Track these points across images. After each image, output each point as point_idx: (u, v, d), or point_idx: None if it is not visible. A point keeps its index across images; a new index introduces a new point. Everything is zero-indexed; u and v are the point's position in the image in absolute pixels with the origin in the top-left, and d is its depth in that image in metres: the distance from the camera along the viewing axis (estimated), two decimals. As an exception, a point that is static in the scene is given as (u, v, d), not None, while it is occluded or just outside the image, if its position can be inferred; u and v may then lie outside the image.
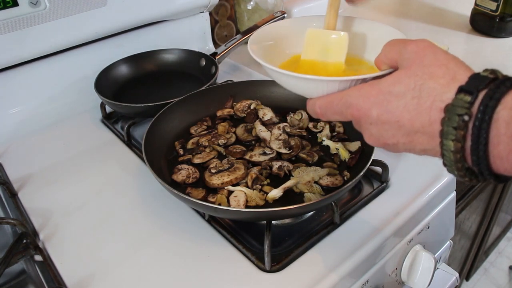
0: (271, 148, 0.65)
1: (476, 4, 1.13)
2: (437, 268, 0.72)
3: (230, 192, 0.57)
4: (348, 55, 0.48)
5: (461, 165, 0.32)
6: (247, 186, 0.58)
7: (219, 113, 0.75)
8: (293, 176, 0.59)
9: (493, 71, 0.31)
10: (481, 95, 0.30)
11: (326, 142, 0.66)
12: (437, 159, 0.66)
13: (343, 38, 0.47)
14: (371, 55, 0.49)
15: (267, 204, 0.55)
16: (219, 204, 0.54)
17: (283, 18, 0.96)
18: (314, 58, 0.48)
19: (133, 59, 0.92)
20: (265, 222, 0.52)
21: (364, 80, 0.38)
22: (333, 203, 0.55)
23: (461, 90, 0.31)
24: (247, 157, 0.64)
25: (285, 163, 0.61)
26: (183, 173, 0.61)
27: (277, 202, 0.56)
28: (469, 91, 0.30)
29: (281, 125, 0.69)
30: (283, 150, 0.64)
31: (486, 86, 0.30)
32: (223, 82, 0.84)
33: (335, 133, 0.68)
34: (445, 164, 0.33)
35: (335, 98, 0.39)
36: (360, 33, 0.51)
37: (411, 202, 0.59)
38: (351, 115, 0.38)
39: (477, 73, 0.32)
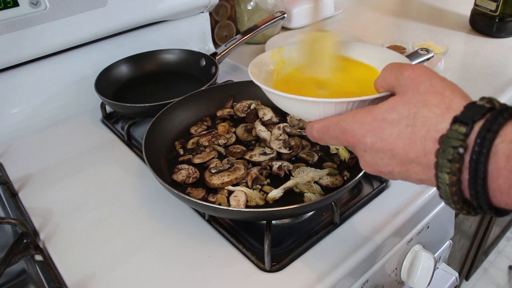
0: (271, 148, 0.65)
1: (475, 4, 1.13)
2: (437, 268, 0.72)
3: (230, 192, 0.57)
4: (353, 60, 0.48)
5: (458, 198, 0.30)
6: (247, 186, 0.58)
7: (219, 113, 0.75)
8: (293, 176, 0.59)
9: (490, 100, 0.30)
10: (478, 126, 0.28)
11: (326, 142, 0.66)
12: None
13: (331, 34, 0.47)
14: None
15: (267, 204, 0.56)
16: (219, 204, 0.55)
17: (283, 18, 0.96)
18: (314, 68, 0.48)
19: (133, 59, 0.92)
20: (265, 222, 0.52)
21: (362, 102, 0.38)
22: (333, 203, 0.55)
23: (455, 120, 0.30)
24: (247, 157, 0.64)
25: (285, 163, 0.61)
26: (183, 173, 0.61)
27: (277, 202, 0.56)
28: (464, 122, 0.29)
29: (281, 125, 0.69)
30: (283, 150, 0.64)
31: (483, 117, 0.29)
32: (223, 82, 0.84)
33: (335, 133, 0.68)
34: (441, 197, 0.32)
35: (332, 123, 0.39)
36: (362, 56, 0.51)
37: (411, 202, 0.59)
38: (346, 141, 0.37)
39: (473, 102, 0.31)
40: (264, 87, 0.43)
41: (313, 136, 0.41)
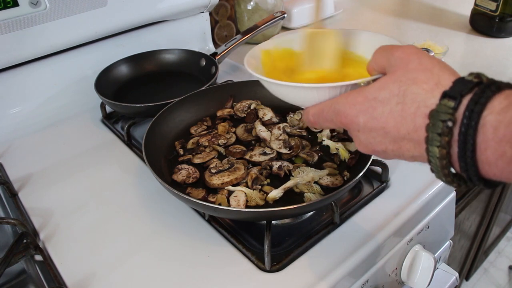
0: (271, 148, 0.65)
1: (475, 4, 1.13)
2: (437, 268, 0.72)
3: (230, 192, 0.57)
4: (351, 54, 0.48)
5: (448, 171, 0.31)
6: (247, 186, 0.58)
7: (219, 113, 0.75)
8: (293, 176, 0.59)
9: (478, 75, 0.30)
10: (466, 100, 0.29)
11: (326, 142, 0.66)
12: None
13: (334, 32, 0.47)
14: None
15: (267, 204, 0.56)
16: (219, 204, 0.55)
17: (283, 18, 0.96)
18: (313, 61, 0.49)
19: (133, 59, 0.92)
20: (265, 222, 0.52)
21: (355, 85, 0.38)
22: (333, 203, 0.55)
23: (444, 95, 0.30)
24: (247, 157, 0.64)
25: (285, 163, 0.61)
26: (183, 173, 0.61)
27: (277, 202, 0.56)
28: (452, 96, 0.30)
29: (281, 125, 0.69)
30: (283, 150, 0.64)
31: (471, 91, 0.29)
32: (223, 82, 0.84)
33: (335, 133, 0.68)
34: (432, 171, 0.33)
35: (326, 106, 0.39)
36: (357, 43, 0.51)
37: (411, 202, 0.59)
38: (340, 122, 0.38)
39: (461, 77, 0.31)
40: (260, 76, 0.44)
41: (309, 120, 0.42)
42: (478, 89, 0.29)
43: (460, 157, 0.30)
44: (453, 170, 0.31)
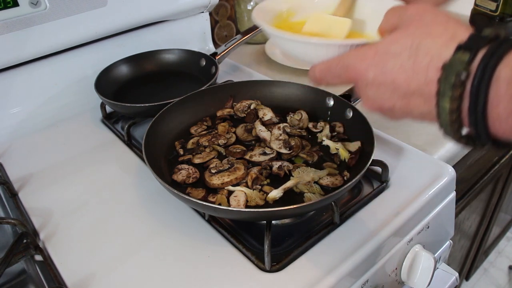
0: (271, 148, 0.65)
1: (475, 4, 1.13)
2: (437, 268, 0.72)
3: (230, 192, 0.57)
4: (351, 32, 0.48)
5: (458, 126, 0.30)
6: (247, 186, 0.58)
7: (219, 113, 0.75)
8: (293, 176, 0.59)
9: (495, 31, 0.30)
10: (481, 53, 0.28)
11: (326, 142, 0.66)
12: (434, 160, 0.66)
13: (346, 22, 0.47)
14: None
15: (267, 204, 0.55)
16: (219, 204, 0.55)
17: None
18: (316, 31, 0.49)
19: (133, 59, 0.92)
20: (265, 222, 0.52)
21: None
22: (333, 203, 0.55)
23: (459, 48, 0.29)
24: (247, 157, 0.64)
25: (285, 163, 0.61)
26: (183, 173, 0.61)
27: (277, 202, 0.56)
28: (468, 48, 0.29)
29: (281, 125, 0.69)
30: (283, 150, 0.64)
31: (487, 45, 0.29)
32: (223, 82, 0.84)
33: (335, 133, 0.68)
34: (440, 126, 0.32)
35: (334, 62, 0.38)
36: (365, 9, 0.51)
37: (411, 202, 0.59)
38: (348, 77, 0.37)
39: (478, 32, 0.31)
40: (269, 28, 0.43)
41: (315, 77, 0.41)
42: (494, 43, 0.29)
43: (470, 111, 0.29)
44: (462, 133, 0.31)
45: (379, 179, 0.63)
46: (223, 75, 0.98)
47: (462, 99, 0.29)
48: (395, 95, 0.34)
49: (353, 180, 0.53)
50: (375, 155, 0.56)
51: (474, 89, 0.28)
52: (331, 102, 0.71)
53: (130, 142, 0.76)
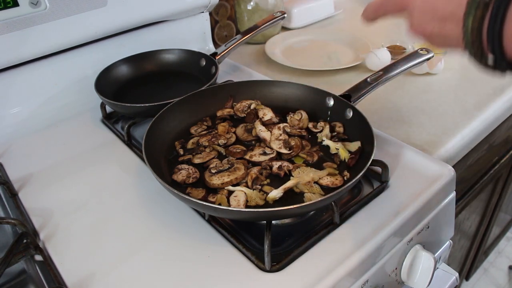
0: (271, 148, 0.65)
1: (476, 4, 1.13)
2: (437, 268, 0.72)
3: (230, 192, 0.57)
4: None
5: (478, 45, 0.35)
6: (247, 186, 0.58)
7: (219, 113, 0.75)
8: (293, 176, 0.59)
9: None
10: None
11: (326, 142, 0.66)
12: (434, 160, 0.66)
13: None
14: None
15: (267, 204, 0.56)
16: (219, 204, 0.55)
17: (283, 18, 0.96)
18: None
19: (133, 59, 0.92)
20: (265, 222, 0.52)
21: None
22: (333, 203, 0.55)
23: None
24: (247, 157, 0.64)
25: (285, 163, 0.61)
26: (183, 173, 0.61)
27: (277, 202, 0.56)
28: None
29: (281, 125, 0.69)
30: (283, 150, 0.64)
31: None
32: (223, 82, 0.84)
33: (335, 133, 0.68)
34: (465, 48, 0.37)
35: None
36: None
37: (411, 202, 0.59)
38: (401, 4, 0.44)
39: None
40: None
41: (373, 9, 0.49)
42: None
43: (489, 30, 0.34)
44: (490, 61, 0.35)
45: (379, 179, 0.63)
46: (223, 75, 0.98)
47: (483, 20, 0.34)
48: (435, 20, 0.40)
49: (353, 180, 0.53)
50: (375, 155, 0.56)
51: (494, 9, 0.33)
52: (331, 102, 0.71)
53: (130, 142, 0.76)
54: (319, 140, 0.67)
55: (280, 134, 0.67)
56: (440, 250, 0.70)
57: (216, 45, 1.16)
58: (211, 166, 0.61)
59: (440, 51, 0.98)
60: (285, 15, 0.97)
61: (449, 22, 0.38)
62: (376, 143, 0.58)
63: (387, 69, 0.72)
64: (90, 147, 0.76)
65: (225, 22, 1.22)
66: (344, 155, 0.63)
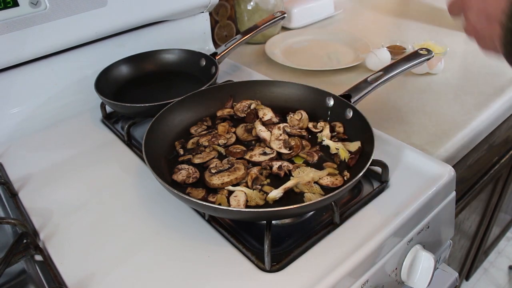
0: (271, 148, 0.65)
1: (476, 4, 1.13)
2: (437, 268, 0.72)
3: (230, 192, 0.57)
4: None
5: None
6: (247, 186, 0.58)
7: (219, 113, 0.75)
8: (293, 176, 0.59)
9: None
10: None
11: (326, 142, 0.66)
12: (434, 160, 0.66)
13: None
14: None
15: (267, 204, 0.56)
16: (219, 204, 0.55)
17: (283, 18, 0.96)
18: None
19: (133, 59, 0.92)
20: (265, 222, 0.52)
21: None
22: (333, 203, 0.55)
23: None
24: (247, 157, 0.64)
25: (285, 163, 0.61)
26: (183, 173, 0.61)
27: (277, 202, 0.56)
28: None
29: (281, 125, 0.69)
30: (283, 150, 0.64)
31: None
32: (223, 82, 0.84)
33: (335, 133, 0.68)
34: (504, 48, 0.40)
35: None
36: None
37: (411, 202, 0.59)
38: (462, 5, 0.47)
39: None
40: None
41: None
42: None
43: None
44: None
45: (379, 179, 0.63)
46: (223, 75, 0.98)
47: None
48: (486, 21, 0.42)
49: (353, 180, 0.53)
50: (375, 155, 0.56)
51: None
52: (331, 102, 0.71)
53: (130, 142, 0.76)
54: (319, 140, 0.67)
55: (280, 134, 0.67)
56: (440, 250, 0.70)
57: (216, 45, 1.16)
58: (211, 166, 0.61)
59: (440, 51, 0.98)
60: (285, 15, 0.97)
61: (496, 23, 0.40)
62: (376, 143, 0.58)
63: (387, 69, 0.72)
64: (90, 147, 0.76)
65: (225, 22, 1.22)
66: (344, 155, 0.63)
